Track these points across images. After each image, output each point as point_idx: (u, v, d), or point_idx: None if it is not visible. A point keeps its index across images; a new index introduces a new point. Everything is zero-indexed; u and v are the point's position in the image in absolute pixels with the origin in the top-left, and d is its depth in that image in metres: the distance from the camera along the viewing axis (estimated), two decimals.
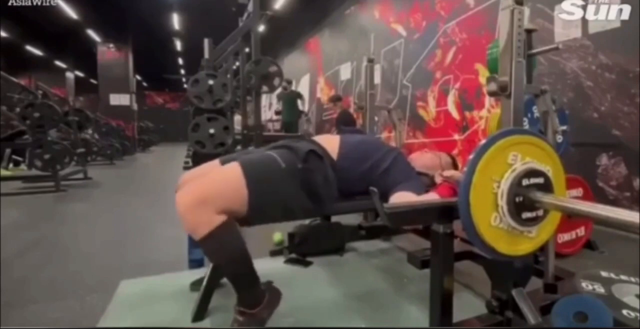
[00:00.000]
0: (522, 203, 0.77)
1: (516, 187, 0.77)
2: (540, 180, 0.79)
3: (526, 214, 0.78)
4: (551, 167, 0.83)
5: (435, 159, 1.41)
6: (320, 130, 7.15)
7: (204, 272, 1.20)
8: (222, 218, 0.89)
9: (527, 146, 0.82)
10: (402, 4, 4.42)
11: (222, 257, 0.93)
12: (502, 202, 0.76)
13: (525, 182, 0.77)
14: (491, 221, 0.77)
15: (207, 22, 8.00)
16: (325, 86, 7.10)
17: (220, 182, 0.91)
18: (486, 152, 0.76)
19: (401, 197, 1.09)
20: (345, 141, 1.18)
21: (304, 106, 6.32)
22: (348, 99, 5.64)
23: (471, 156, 0.77)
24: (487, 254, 0.79)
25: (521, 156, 0.80)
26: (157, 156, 9.62)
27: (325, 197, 1.04)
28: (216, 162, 1.16)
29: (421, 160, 1.37)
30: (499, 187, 0.77)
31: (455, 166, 1.46)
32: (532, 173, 0.78)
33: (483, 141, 0.79)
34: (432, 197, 1.09)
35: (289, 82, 6.02)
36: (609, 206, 0.68)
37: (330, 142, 1.16)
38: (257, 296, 0.97)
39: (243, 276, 0.96)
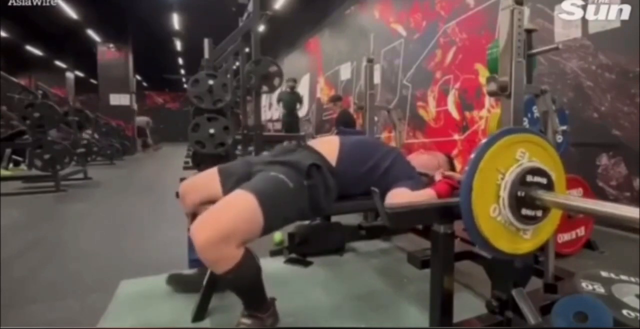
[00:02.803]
0: (523, 199, 0.77)
1: (520, 181, 0.77)
2: (543, 180, 0.80)
3: (525, 211, 0.78)
4: (553, 168, 0.83)
5: (433, 160, 1.41)
6: (320, 130, 7.15)
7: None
8: (242, 251, 0.89)
9: (534, 145, 0.83)
10: (402, 4, 4.42)
11: (242, 286, 0.96)
12: (504, 194, 0.77)
13: (529, 178, 0.78)
14: (490, 212, 0.77)
15: (207, 22, 7.98)
16: (325, 86, 7.10)
17: (239, 215, 0.89)
18: (498, 142, 0.77)
19: (396, 194, 1.09)
20: (344, 143, 1.18)
21: (301, 109, 6.30)
22: (348, 99, 5.64)
23: (483, 142, 0.78)
24: (481, 246, 0.79)
25: (529, 154, 0.81)
26: (157, 156, 9.61)
27: (326, 206, 1.06)
28: (214, 170, 1.16)
29: (419, 161, 1.38)
30: (503, 179, 0.77)
31: (452, 166, 1.46)
32: (536, 171, 0.79)
33: (496, 131, 0.80)
34: (427, 193, 1.08)
35: (295, 81, 6.03)
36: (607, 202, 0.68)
37: (330, 146, 1.16)
38: (265, 306, 1.01)
39: (255, 296, 1.00)
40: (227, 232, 0.86)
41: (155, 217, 2.66)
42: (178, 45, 11.83)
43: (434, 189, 1.09)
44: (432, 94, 3.90)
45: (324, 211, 1.09)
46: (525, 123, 1.40)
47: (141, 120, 10.74)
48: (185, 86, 12.05)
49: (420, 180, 1.22)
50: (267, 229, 0.93)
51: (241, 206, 0.91)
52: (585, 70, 2.35)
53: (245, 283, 0.95)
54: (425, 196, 1.07)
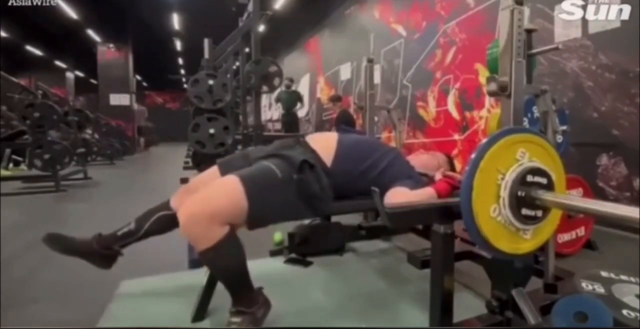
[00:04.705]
0: (523, 199, 0.77)
1: (520, 181, 0.77)
2: (543, 180, 0.80)
3: (525, 211, 0.78)
4: (553, 168, 0.83)
5: (433, 160, 1.41)
6: (320, 130, 7.15)
7: (204, 272, 1.20)
8: (225, 230, 0.91)
9: (534, 145, 0.83)
10: (402, 4, 4.42)
11: (223, 268, 0.96)
12: (504, 194, 0.77)
13: (529, 178, 0.78)
14: (490, 212, 0.77)
15: (207, 22, 7.99)
16: (325, 86, 7.10)
17: (223, 197, 0.93)
18: (498, 142, 0.77)
19: (395, 194, 1.09)
20: (342, 140, 1.18)
21: (302, 108, 6.28)
22: (348, 99, 5.64)
23: (483, 142, 0.78)
24: (481, 246, 0.79)
25: (529, 154, 0.81)
26: (158, 157, 9.61)
27: (321, 205, 1.06)
28: (215, 169, 1.18)
29: (419, 161, 1.38)
30: (503, 179, 0.78)
31: (452, 166, 1.46)
32: (537, 171, 0.79)
33: (497, 131, 0.81)
34: (427, 191, 1.08)
35: (292, 80, 6.02)
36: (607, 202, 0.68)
37: (327, 142, 1.16)
38: (252, 297, 1.00)
39: (240, 284, 0.99)
40: (211, 210, 0.90)
41: None
42: (178, 45, 11.84)
43: (434, 188, 1.09)
44: (432, 94, 3.90)
45: (321, 210, 1.08)
46: (525, 123, 1.40)
47: (138, 111, 10.34)
48: (185, 85, 12.04)
49: (420, 179, 1.21)
50: (254, 215, 0.94)
51: (226, 188, 0.95)
52: (585, 70, 2.35)
53: (226, 264, 0.95)
54: (425, 194, 1.07)
